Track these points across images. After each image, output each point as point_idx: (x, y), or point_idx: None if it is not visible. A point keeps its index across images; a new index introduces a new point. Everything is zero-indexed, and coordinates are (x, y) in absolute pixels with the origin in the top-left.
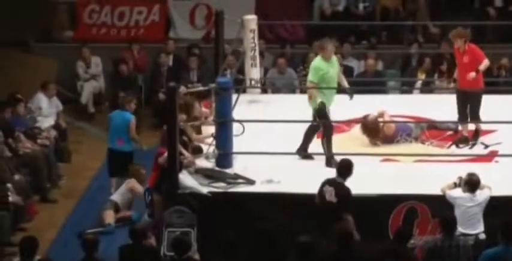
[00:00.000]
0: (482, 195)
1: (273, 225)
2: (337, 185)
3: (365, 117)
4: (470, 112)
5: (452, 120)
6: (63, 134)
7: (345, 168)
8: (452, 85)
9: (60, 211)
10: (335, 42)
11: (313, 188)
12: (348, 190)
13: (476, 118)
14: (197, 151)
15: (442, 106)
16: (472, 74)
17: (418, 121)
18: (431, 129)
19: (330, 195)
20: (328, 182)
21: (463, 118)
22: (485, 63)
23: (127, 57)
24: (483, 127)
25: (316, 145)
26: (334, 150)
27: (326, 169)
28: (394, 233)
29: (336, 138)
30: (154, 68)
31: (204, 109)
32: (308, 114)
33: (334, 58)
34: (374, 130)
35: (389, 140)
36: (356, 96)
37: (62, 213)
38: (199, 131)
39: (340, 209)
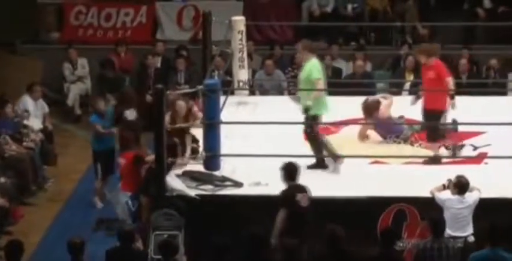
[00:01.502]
0: (471, 197)
1: (261, 228)
2: (304, 189)
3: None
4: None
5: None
6: (49, 136)
7: (291, 171)
8: (414, 101)
9: (46, 214)
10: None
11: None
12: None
13: (431, 140)
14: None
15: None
16: (453, 102)
17: (410, 123)
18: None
19: (306, 200)
20: (296, 189)
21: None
22: (447, 81)
23: (114, 59)
24: (472, 128)
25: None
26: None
27: (314, 171)
28: (380, 234)
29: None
30: (141, 70)
31: (195, 109)
32: (298, 115)
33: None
34: (371, 106)
35: (381, 125)
36: (345, 98)
37: (48, 216)
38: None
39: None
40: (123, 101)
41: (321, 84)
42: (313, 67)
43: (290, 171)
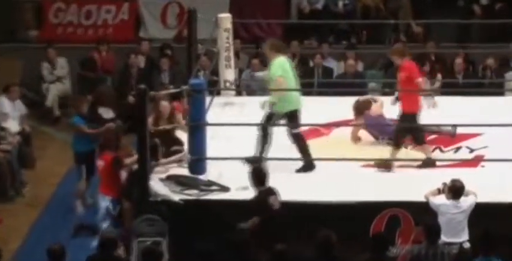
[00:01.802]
0: (467, 202)
1: (248, 234)
2: (274, 191)
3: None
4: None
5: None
6: (27, 139)
7: (260, 176)
8: (393, 102)
9: (25, 219)
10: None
11: (290, 195)
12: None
13: (419, 142)
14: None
15: (424, 109)
16: (433, 102)
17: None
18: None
19: (278, 203)
20: (267, 193)
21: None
22: (418, 82)
23: (95, 58)
24: (468, 130)
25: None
26: (313, 155)
27: (304, 175)
28: (372, 239)
29: (314, 142)
30: (124, 69)
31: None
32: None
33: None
34: (362, 106)
35: (372, 125)
36: (336, 98)
37: (27, 222)
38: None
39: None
40: (98, 100)
41: (282, 82)
42: (276, 65)
43: (259, 176)
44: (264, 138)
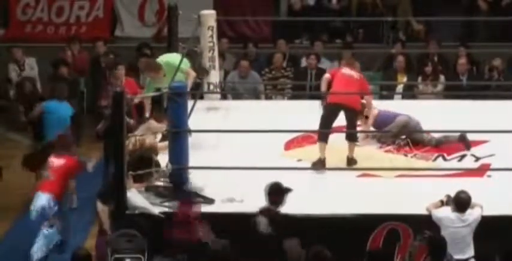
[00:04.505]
0: (472, 215)
1: (234, 249)
2: (271, 214)
3: None
4: None
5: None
6: None
7: (275, 194)
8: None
9: None
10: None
11: (282, 208)
12: (283, 217)
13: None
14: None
15: (426, 113)
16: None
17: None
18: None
19: (264, 226)
20: (261, 212)
21: None
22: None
23: (67, 58)
24: (473, 137)
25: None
26: (307, 163)
27: (300, 186)
28: (368, 257)
29: (307, 150)
30: (95, 71)
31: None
32: (277, 122)
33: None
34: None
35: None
36: None
37: None
38: None
39: (279, 239)
40: (53, 96)
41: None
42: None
43: (269, 192)
44: None
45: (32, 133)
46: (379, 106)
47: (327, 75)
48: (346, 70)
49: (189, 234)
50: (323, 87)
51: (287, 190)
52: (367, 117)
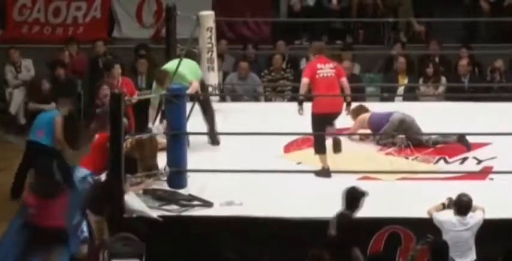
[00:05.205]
0: (474, 218)
1: (234, 254)
2: (341, 217)
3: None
4: None
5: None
6: None
7: (350, 198)
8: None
9: None
10: None
11: (282, 212)
12: (352, 223)
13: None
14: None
15: (427, 116)
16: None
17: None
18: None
19: (332, 228)
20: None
21: None
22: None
23: (64, 60)
24: (475, 139)
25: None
26: (306, 166)
27: (300, 189)
28: None
29: (307, 153)
30: (94, 72)
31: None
32: (277, 125)
33: None
34: (360, 109)
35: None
36: None
37: None
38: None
39: (344, 244)
40: (31, 94)
41: None
42: None
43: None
44: None
45: None
46: (379, 108)
47: (306, 80)
48: (321, 69)
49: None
50: (302, 92)
51: (362, 194)
52: (349, 104)
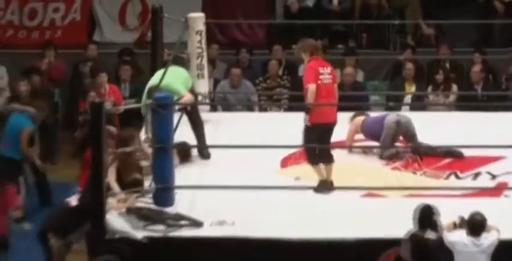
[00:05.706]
0: (488, 239)
1: None
2: (415, 239)
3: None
4: None
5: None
6: None
7: (422, 216)
8: None
9: None
10: None
11: (279, 232)
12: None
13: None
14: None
15: (436, 126)
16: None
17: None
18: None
19: (404, 252)
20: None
21: None
22: (308, 88)
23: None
24: (489, 152)
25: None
26: (305, 182)
27: (298, 207)
28: None
29: (307, 167)
30: (75, 80)
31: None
32: (272, 137)
33: None
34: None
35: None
36: None
37: None
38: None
39: None
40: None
41: None
42: None
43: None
44: None
45: None
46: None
47: (313, 86)
48: (322, 74)
49: None
50: (311, 100)
51: (435, 213)
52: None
